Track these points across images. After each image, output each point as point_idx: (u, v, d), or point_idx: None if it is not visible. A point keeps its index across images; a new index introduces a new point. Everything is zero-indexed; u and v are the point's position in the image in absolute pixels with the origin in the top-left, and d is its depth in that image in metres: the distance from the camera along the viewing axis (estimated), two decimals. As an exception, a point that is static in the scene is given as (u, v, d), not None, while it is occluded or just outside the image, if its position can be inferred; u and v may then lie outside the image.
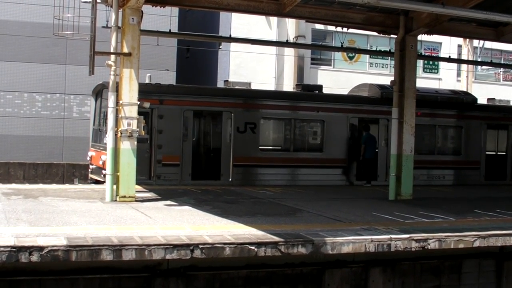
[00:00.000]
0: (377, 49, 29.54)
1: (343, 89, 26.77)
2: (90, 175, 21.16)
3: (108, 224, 11.46)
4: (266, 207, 14.90)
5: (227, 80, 23.71)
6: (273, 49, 29.70)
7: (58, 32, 16.21)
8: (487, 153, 25.07)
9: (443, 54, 32.74)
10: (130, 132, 14.92)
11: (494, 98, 27.38)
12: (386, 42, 30.89)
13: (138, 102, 15.18)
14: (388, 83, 20.62)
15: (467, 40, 32.60)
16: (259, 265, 10.92)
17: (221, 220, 12.49)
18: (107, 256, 9.39)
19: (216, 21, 30.63)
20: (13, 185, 18.59)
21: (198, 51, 30.91)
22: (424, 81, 30.97)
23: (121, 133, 14.91)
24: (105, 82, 17.94)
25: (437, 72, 34.82)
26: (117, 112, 15.04)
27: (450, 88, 28.40)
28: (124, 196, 14.84)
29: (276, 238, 10.56)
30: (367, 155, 22.02)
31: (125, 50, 14.98)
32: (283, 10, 17.17)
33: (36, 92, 26.79)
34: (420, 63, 32.58)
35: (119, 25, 15.21)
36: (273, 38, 29.47)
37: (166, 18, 23.84)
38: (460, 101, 24.50)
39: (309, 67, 31.50)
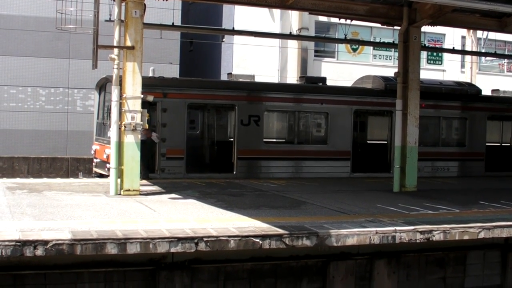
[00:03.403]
0: (381, 41, 29.44)
1: (347, 81, 26.73)
2: (95, 169, 21.20)
3: (112, 217, 11.48)
4: (271, 200, 14.90)
5: (231, 73, 23.68)
6: (276, 41, 29.64)
7: (61, 26, 16.20)
8: (492, 144, 25.05)
9: (447, 45, 32.63)
10: (133, 126, 14.91)
11: (498, 89, 27.30)
12: (389, 34, 30.79)
13: (142, 96, 15.17)
14: (392, 74, 20.57)
15: (471, 31, 32.48)
16: (263, 258, 10.93)
17: (226, 213, 12.50)
18: (111, 249, 9.41)
19: (219, 14, 30.58)
20: (18, 180, 18.63)
21: (201, 44, 30.88)
22: (428, 73, 30.87)
23: (125, 127, 14.91)
24: (109, 76, 17.93)
25: (441, 64, 34.73)
26: (120, 105, 15.03)
27: (454, 80, 28.33)
28: (129, 190, 14.84)
29: (280, 231, 10.56)
30: None
31: (128, 43, 14.96)
32: (286, 2, 17.13)
33: (40, 87, 26.79)
34: (424, 54, 32.47)
35: (122, 18, 15.18)
36: (277, 30, 29.41)
37: (169, 11, 23.80)
38: (464, 93, 24.42)
39: (313, 59, 31.44)
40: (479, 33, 32.64)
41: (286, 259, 11.13)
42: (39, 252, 9.03)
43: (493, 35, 30.95)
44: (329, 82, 24.03)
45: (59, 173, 25.82)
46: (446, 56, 33.86)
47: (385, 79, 23.36)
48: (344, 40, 24.01)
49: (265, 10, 28.89)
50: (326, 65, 31.64)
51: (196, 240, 9.85)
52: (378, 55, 33.03)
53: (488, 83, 32.26)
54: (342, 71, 31.10)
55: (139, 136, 15.15)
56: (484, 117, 24.41)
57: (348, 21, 20.11)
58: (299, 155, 21.46)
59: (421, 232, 11.43)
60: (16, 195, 14.15)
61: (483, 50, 32.52)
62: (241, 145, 20.45)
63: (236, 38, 28.26)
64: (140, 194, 14.90)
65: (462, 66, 34.66)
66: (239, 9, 28.67)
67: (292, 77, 30.10)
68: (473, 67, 33.61)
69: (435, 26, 20.50)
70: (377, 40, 30.71)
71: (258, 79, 23.53)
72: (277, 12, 29.84)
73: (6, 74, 26.37)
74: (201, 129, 22.56)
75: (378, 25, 21.06)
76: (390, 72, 24.35)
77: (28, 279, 9.60)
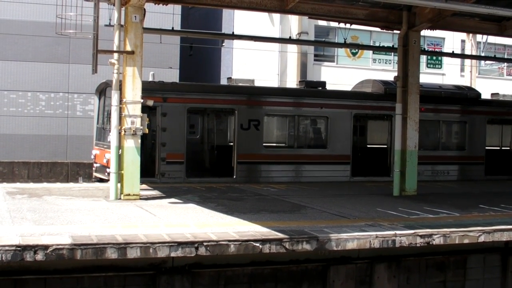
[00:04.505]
0: (380, 45, 29.49)
1: (347, 86, 26.76)
2: (95, 174, 21.19)
3: (112, 222, 11.48)
4: (271, 204, 14.89)
5: (231, 77, 23.70)
6: (276, 46, 29.70)
7: (61, 31, 16.25)
8: (492, 148, 25.06)
9: (446, 49, 32.69)
10: (133, 130, 14.91)
11: (498, 93, 27.32)
12: (389, 38, 30.85)
13: (142, 100, 15.18)
14: (392, 79, 20.58)
15: (470, 35, 32.56)
16: (263, 262, 10.92)
17: (226, 217, 12.49)
18: (112, 254, 9.41)
19: (218, 19, 30.63)
20: (18, 184, 18.62)
21: (201, 49, 30.92)
22: (427, 77, 30.93)
23: (124, 131, 14.91)
24: (109, 81, 17.94)
25: (440, 67, 34.77)
26: (120, 110, 15.04)
27: (454, 83, 28.35)
28: (129, 194, 14.83)
29: (280, 235, 10.56)
30: None
31: (128, 48, 14.97)
32: (286, 6, 17.14)
33: (40, 91, 26.83)
34: (423, 58, 32.53)
35: (122, 23, 15.20)
36: (276, 34, 29.46)
37: (169, 16, 23.87)
38: (464, 96, 24.44)
39: (312, 64, 31.49)
40: (479, 37, 32.71)
41: (286, 263, 11.12)
42: (39, 256, 9.02)
43: (492, 39, 31.00)
44: (328, 86, 24.03)
45: (59, 177, 25.83)
46: (445, 60, 33.92)
47: (385, 83, 23.37)
48: (344, 44, 24.08)
49: (264, 15, 28.96)
50: (325, 69, 31.69)
51: (196, 245, 9.85)
52: (377, 59, 33.08)
53: (488, 87, 32.32)
54: (341, 75, 31.14)
55: (139, 140, 15.14)
56: (483, 120, 24.42)
57: (348, 25, 20.12)
58: (299, 160, 21.45)
59: (421, 236, 11.43)
60: (16, 200, 14.14)
61: (482, 54, 32.57)
62: (241, 149, 20.44)
63: (236, 42, 28.31)
64: (140, 199, 14.90)
65: (462, 70, 34.72)
66: (238, 14, 28.72)
67: (292, 82, 30.12)
68: (473, 71, 33.67)
69: (434, 30, 20.53)
70: (377, 44, 30.78)
71: (257, 83, 23.55)
72: (276, 16, 29.90)
73: (6, 79, 26.40)
74: (201, 134, 22.56)
75: (378, 29, 21.06)
76: (390, 76, 24.36)
77: (28, 284, 9.59)
